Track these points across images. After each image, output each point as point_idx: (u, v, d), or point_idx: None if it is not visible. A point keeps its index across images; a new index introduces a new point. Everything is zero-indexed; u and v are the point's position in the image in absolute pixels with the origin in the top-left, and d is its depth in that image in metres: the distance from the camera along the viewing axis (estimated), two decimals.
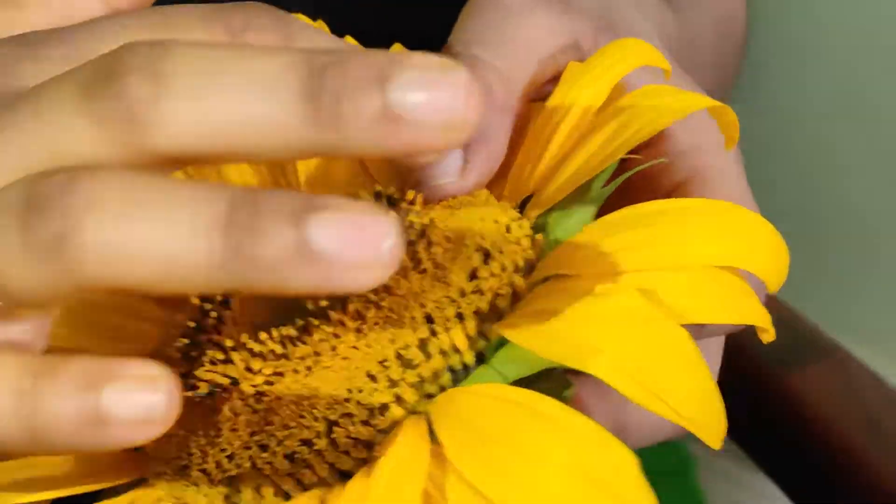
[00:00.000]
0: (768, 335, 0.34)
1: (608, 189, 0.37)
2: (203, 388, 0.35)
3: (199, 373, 0.35)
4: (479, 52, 0.40)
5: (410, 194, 0.37)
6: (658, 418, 0.36)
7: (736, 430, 0.38)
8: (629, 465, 0.28)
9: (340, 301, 0.34)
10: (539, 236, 0.36)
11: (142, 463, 0.37)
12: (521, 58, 0.40)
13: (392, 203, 0.37)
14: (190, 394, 0.35)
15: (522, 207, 0.38)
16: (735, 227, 0.34)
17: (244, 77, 0.25)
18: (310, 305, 0.34)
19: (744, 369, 0.61)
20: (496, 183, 0.39)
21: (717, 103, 0.39)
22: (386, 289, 0.34)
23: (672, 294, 0.32)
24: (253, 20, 0.29)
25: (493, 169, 0.38)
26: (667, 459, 0.80)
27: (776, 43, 0.77)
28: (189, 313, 0.38)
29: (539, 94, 0.41)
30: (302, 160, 0.42)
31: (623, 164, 0.38)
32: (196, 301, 0.38)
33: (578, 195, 0.37)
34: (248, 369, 0.34)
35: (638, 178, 0.40)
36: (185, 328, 0.37)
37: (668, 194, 0.39)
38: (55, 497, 0.36)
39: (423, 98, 0.25)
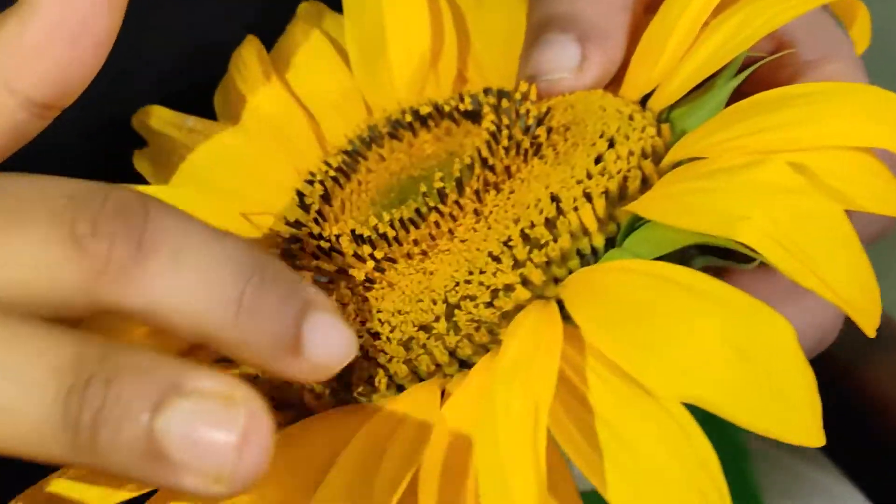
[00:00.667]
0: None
1: (734, 82, 0.34)
2: (307, 278, 0.33)
3: (303, 262, 0.33)
4: None
5: (524, 85, 0.35)
6: (807, 324, 0.34)
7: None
8: (788, 340, 0.26)
9: (456, 183, 0.32)
10: (665, 126, 0.34)
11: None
12: None
13: (502, 95, 0.35)
14: None
15: (642, 105, 0.36)
16: (876, 107, 0.31)
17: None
18: (423, 187, 0.32)
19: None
20: (611, 86, 0.37)
21: None
22: (506, 171, 0.32)
23: (821, 174, 0.29)
24: (101, 224, 0.24)
25: (612, 67, 0.36)
26: (719, 449, 0.78)
27: None
28: (288, 212, 0.36)
29: (655, 2, 0.39)
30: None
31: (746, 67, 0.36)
32: (294, 197, 0.36)
33: (702, 91, 0.35)
34: (357, 256, 0.32)
35: (759, 88, 0.38)
36: (283, 223, 0.36)
37: None
38: None
39: (191, 438, 0.22)
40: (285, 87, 0.41)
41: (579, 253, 0.31)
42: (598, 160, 0.32)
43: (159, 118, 0.42)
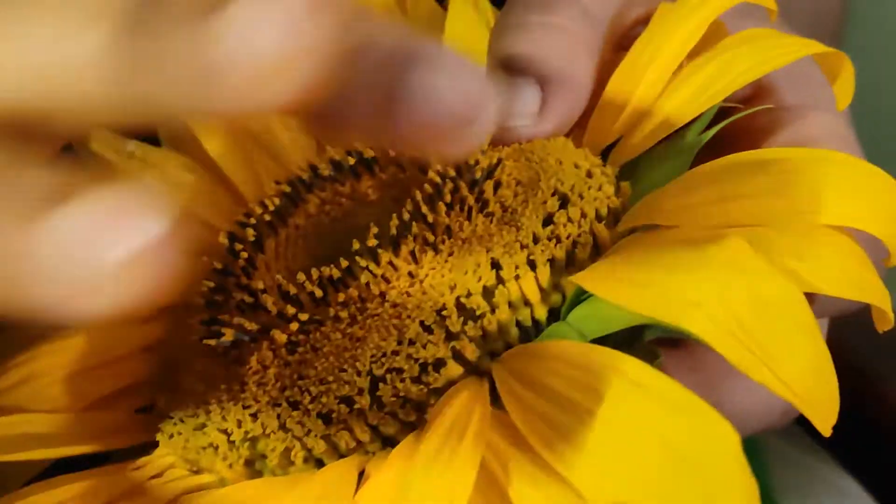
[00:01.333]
0: (886, 321, 0.30)
1: (704, 137, 0.32)
2: (228, 336, 0.31)
3: (224, 317, 0.31)
4: None
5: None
6: (760, 402, 0.32)
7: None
8: (729, 443, 0.24)
9: (391, 241, 0.30)
10: (625, 184, 0.32)
11: (151, 424, 0.33)
12: None
13: None
14: (212, 342, 0.31)
15: (605, 157, 0.33)
16: (855, 183, 0.29)
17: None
18: (356, 246, 0.30)
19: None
20: (574, 133, 0.35)
21: (832, 50, 0.34)
22: (446, 231, 0.30)
23: (783, 254, 0.27)
24: None
25: (574, 114, 0.34)
26: None
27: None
28: (216, 256, 0.34)
29: (625, 41, 0.37)
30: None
31: (720, 117, 0.34)
32: (224, 240, 0.34)
33: (670, 145, 0.33)
34: (281, 315, 0.30)
35: (735, 139, 0.36)
36: (210, 270, 0.33)
37: None
38: (51, 457, 0.32)
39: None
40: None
41: (519, 325, 0.29)
42: (547, 222, 0.30)
43: (101, 141, 0.39)
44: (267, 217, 0.34)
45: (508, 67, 0.33)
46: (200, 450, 0.30)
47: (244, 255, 0.33)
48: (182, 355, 0.33)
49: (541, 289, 0.29)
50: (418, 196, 0.31)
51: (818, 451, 0.56)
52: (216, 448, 0.30)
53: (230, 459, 0.29)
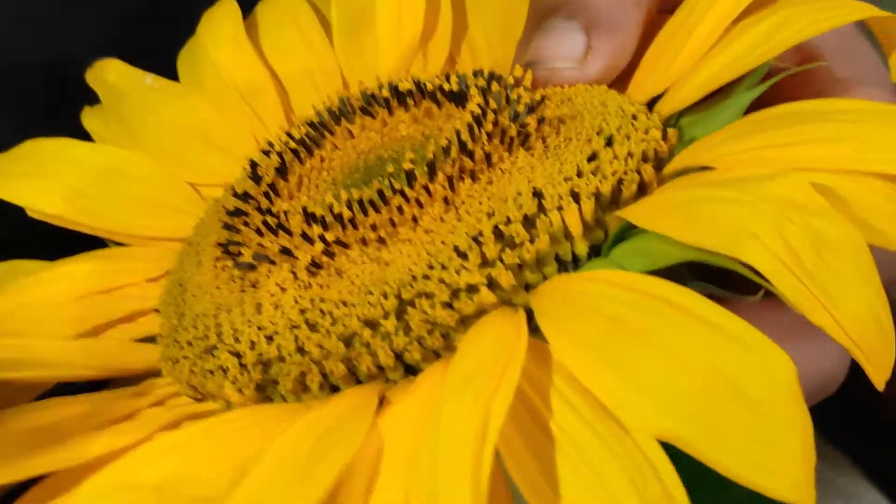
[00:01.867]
0: None
1: (754, 92, 0.31)
2: (246, 256, 0.29)
3: (244, 237, 0.30)
4: None
5: (518, 70, 0.32)
6: (815, 373, 0.30)
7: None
8: (788, 379, 0.22)
9: (428, 164, 0.28)
10: (672, 131, 0.30)
11: (154, 354, 0.31)
12: None
13: (493, 78, 0.32)
14: (229, 262, 0.30)
15: (650, 108, 0.32)
16: None
17: None
18: (390, 167, 0.29)
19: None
20: (617, 85, 0.34)
21: (888, 14, 0.33)
22: (486, 159, 0.29)
23: (850, 199, 0.26)
24: None
25: (619, 62, 0.33)
26: None
27: None
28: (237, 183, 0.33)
29: (669, 3, 0.36)
30: None
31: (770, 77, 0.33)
32: (246, 166, 0.32)
33: (718, 100, 0.32)
34: (305, 235, 0.28)
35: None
36: (228, 194, 0.32)
37: None
38: (49, 378, 0.30)
39: None
40: (257, 55, 0.37)
41: (558, 259, 0.27)
42: (591, 157, 0.28)
43: (118, 73, 0.38)
44: (292, 145, 0.33)
45: (555, 11, 0.32)
46: (208, 374, 0.29)
47: (266, 180, 0.31)
48: (193, 279, 0.31)
49: (583, 222, 0.27)
50: (458, 124, 0.29)
51: (827, 455, 0.54)
52: (226, 371, 0.28)
53: (240, 383, 0.28)
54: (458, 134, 0.29)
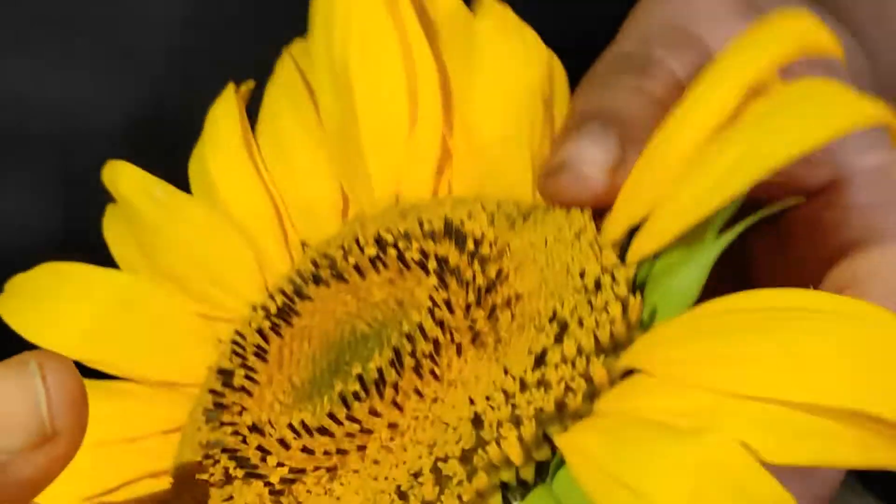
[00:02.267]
0: None
1: (723, 240, 0.29)
2: (217, 473, 0.30)
3: (216, 448, 0.31)
4: (660, 53, 0.34)
5: (479, 223, 0.31)
6: None
7: None
8: None
9: (375, 384, 0.28)
10: (635, 299, 0.29)
11: None
12: (700, 66, 0.33)
13: (454, 234, 0.31)
14: (205, 476, 0.31)
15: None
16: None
17: None
18: (338, 387, 0.29)
19: None
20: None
21: None
22: (433, 369, 0.29)
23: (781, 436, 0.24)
24: None
25: None
26: None
27: None
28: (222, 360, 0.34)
29: None
30: None
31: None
32: (228, 355, 0.33)
33: (693, 234, 0.30)
34: (264, 461, 0.29)
35: (797, 223, 0.33)
36: (215, 374, 0.33)
37: (831, 258, 0.32)
38: None
39: None
40: (256, 174, 0.37)
41: (502, 484, 0.27)
42: (538, 361, 0.28)
43: (128, 182, 0.39)
44: (273, 320, 0.33)
45: (594, 117, 0.32)
46: None
47: (241, 372, 0.32)
48: (188, 462, 0.33)
49: (524, 447, 0.27)
50: (407, 325, 0.29)
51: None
52: None
53: None
54: (395, 351, 0.29)
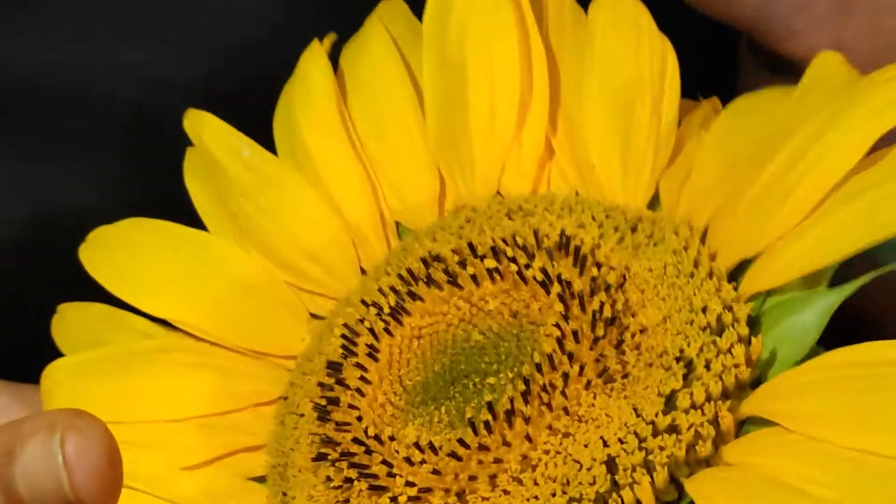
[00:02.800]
0: None
1: (849, 287, 0.30)
2: (335, 478, 0.32)
3: (340, 438, 0.32)
4: None
5: (593, 235, 0.32)
6: None
7: None
8: None
9: (506, 413, 0.30)
10: (757, 341, 0.30)
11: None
12: None
13: (572, 251, 0.32)
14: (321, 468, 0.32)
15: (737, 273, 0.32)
16: None
17: None
18: (468, 412, 0.30)
19: None
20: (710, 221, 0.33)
21: None
22: (565, 405, 0.30)
23: None
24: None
25: None
26: None
27: None
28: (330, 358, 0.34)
29: None
30: None
31: None
32: (339, 340, 0.34)
33: (809, 277, 0.31)
34: (390, 475, 0.30)
35: None
36: (321, 380, 0.34)
37: None
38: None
39: None
40: (350, 145, 0.37)
41: None
42: (667, 405, 0.29)
43: (213, 135, 0.38)
44: (384, 318, 0.34)
45: None
46: None
47: (354, 374, 0.33)
48: (295, 457, 0.34)
49: (655, 493, 0.29)
50: (539, 355, 0.30)
51: None
52: None
53: None
54: (538, 370, 0.30)
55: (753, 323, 0.31)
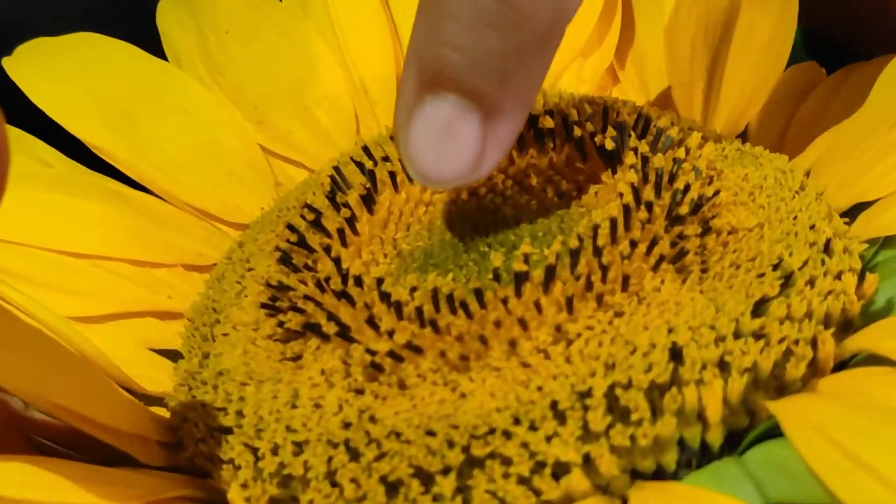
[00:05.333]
0: None
1: None
2: (293, 323, 0.25)
3: (299, 286, 0.26)
4: None
5: (694, 139, 0.27)
6: None
7: None
8: None
9: (547, 270, 0.23)
10: (872, 278, 0.25)
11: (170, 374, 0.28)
12: None
13: (658, 144, 0.27)
14: (272, 320, 0.26)
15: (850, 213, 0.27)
16: None
17: None
18: (495, 261, 0.24)
19: None
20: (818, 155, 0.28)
21: None
22: (622, 280, 0.24)
23: None
24: None
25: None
26: None
27: None
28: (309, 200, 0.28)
29: None
30: None
31: None
32: (325, 181, 0.28)
33: None
34: (371, 322, 0.24)
35: None
36: (300, 207, 0.28)
37: None
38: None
39: None
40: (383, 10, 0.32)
41: (681, 444, 0.23)
42: (758, 310, 0.23)
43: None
44: (389, 167, 0.28)
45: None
46: (216, 459, 0.25)
47: (344, 213, 0.27)
48: (232, 311, 0.27)
49: (726, 404, 0.23)
50: (598, 215, 0.24)
51: None
52: (237, 468, 0.24)
53: (251, 492, 0.24)
54: (593, 233, 0.24)
55: (865, 266, 0.26)
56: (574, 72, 0.32)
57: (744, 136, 0.32)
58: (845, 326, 0.25)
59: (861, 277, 0.25)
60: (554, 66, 0.31)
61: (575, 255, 0.24)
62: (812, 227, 0.26)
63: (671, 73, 0.31)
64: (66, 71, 0.32)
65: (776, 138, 0.31)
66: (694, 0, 0.31)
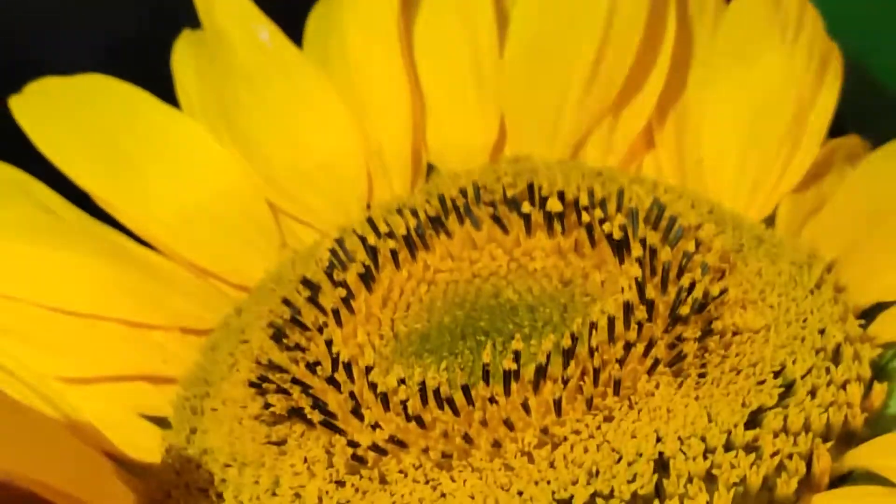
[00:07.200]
0: None
1: None
2: (278, 407, 0.26)
3: (282, 373, 0.26)
4: None
5: (708, 231, 0.27)
6: None
7: None
8: None
9: (537, 370, 0.24)
10: (880, 387, 0.26)
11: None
12: None
13: (668, 237, 0.27)
14: (259, 400, 0.27)
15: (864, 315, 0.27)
16: None
17: None
18: (485, 358, 0.25)
19: None
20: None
21: None
22: (615, 383, 0.24)
23: None
24: None
25: None
26: None
27: None
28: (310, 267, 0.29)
29: None
30: None
31: None
32: (326, 254, 0.29)
33: None
34: (356, 412, 0.25)
35: None
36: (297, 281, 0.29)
37: None
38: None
39: None
40: (401, 49, 0.33)
41: None
42: (752, 420, 0.24)
43: (228, 12, 0.34)
44: (389, 245, 0.29)
45: None
46: None
47: (341, 290, 0.28)
48: (222, 385, 0.28)
49: None
50: (594, 312, 0.25)
51: None
52: None
53: None
54: (590, 332, 0.24)
55: (878, 372, 0.26)
56: (602, 137, 0.32)
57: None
58: (847, 438, 0.25)
59: (870, 386, 0.26)
60: (578, 126, 0.32)
61: (568, 355, 0.24)
62: (822, 332, 0.26)
63: (697, 145, 0.31)
64: (70, 113, 0.33)
65: (805, 217, 0.31)
66: (738, 61, 0.32)
